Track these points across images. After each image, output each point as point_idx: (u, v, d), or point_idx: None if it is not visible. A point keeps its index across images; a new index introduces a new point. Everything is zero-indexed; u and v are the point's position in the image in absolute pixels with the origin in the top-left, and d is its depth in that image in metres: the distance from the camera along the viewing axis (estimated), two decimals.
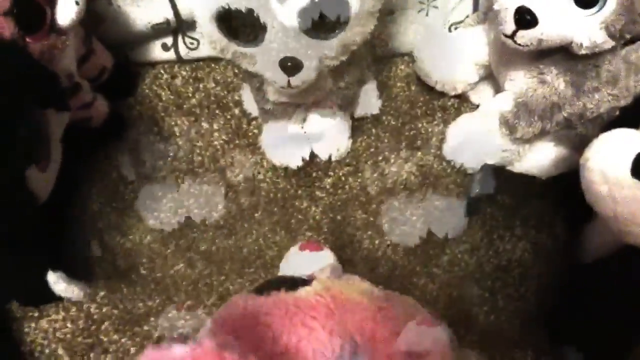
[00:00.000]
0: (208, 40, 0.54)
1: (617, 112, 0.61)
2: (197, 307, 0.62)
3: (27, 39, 0.53)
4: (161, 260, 0.64)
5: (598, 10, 0.50)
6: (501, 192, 0.63)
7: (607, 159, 0.43)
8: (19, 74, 0.45)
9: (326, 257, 0.58)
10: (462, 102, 0.72)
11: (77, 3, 0.57)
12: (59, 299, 0.58)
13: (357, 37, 0.53)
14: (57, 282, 0.53)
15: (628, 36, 0.52)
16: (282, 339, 0.38)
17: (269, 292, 0.42)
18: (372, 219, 0.66)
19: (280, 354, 0.37)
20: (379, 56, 0.75)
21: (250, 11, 0.50)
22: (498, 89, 0.70)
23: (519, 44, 0.53)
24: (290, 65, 0.52)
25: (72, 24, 0.57)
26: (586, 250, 0.57)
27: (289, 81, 0.53)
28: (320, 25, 0.51)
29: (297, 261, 0.58)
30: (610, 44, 0.52)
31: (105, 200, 0.67)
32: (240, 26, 0.53)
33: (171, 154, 0.70)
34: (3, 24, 0.51)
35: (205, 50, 0.74)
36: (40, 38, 0.54)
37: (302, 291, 0.42)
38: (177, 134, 0.71)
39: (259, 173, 0.69)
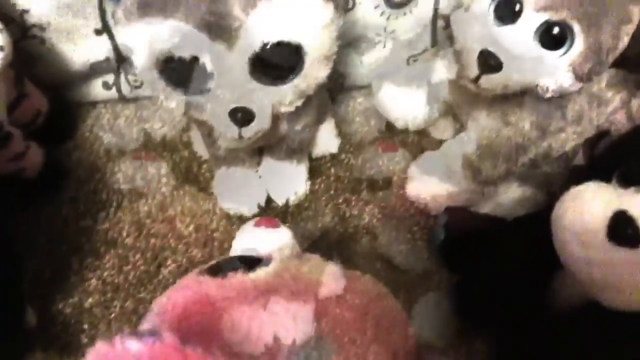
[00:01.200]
0: (149, 86, 0.50)
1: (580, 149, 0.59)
2: None
3: None
4: (104, 326, 0.58)
5: (565, 53, 0.47)
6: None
7: (580, 219, 0.40)
8: None
9: (284, 236, 0.53)
10: (423, 137, 0.70)
11: (1, 48, 0.51)
12: None
13: (313, 82, 0.50)
14: None
15: (595, 78, 0.50)
16: (241, 326, 0.34)
17: (225, 273, 0.38)
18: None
19: (239, 343, 0.34)
20: (336, 90, 0.72)
21: (194, 58, 0.46)
22: (460, 123, 0.67)
23: (483, 89, 0.50)
24: (241, 116, 0.48)
25: None
26: (554, 302, 0.54)
27: (239, 132, 0.49)
28: (273, 71, 0.48)
29: (251, 238, 0.53)
30: (577, 86, 0.49)
31: (43, 262, 0.61)
32: (185, 73, 0.49)
33: (114, 204, 0.64)
34: None
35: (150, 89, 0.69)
36: None
37: (261, 272, 0.39)
38: (121, 181, 0.66)
39: (211, 221, 0.64)
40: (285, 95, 0.49)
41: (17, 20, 0.60)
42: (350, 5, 0.65)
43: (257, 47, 0.45)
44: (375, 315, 0.39)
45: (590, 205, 0.40)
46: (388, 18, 0.68)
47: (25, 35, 0.62)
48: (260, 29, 0.44)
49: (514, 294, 0.55)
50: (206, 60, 0.46)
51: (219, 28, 0.44)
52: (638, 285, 0.39)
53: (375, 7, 0.66)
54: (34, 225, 0.62)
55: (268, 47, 0.45)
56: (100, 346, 0.26)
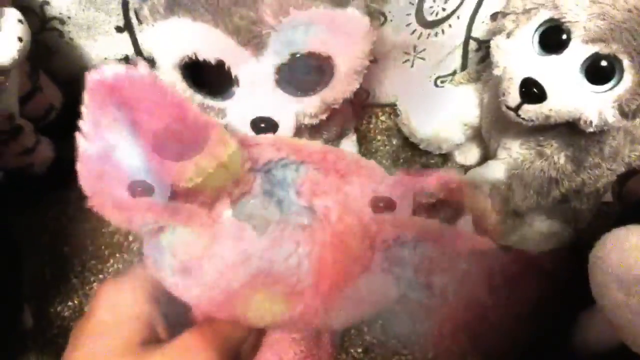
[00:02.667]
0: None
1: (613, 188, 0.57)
2: None
3: None
4: None
5: (612, 87, 0.45)
6: None
7: (623, 263, 0.38)
8: None
9: None
10: (446, 161, 0.68)
11: (20, 39, 0.49)
12: None
13: (340, 95, 0.48)
14: None
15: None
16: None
17: None
18: None
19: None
20: (359, 106, 0.70)
21: (220, 63, 0.44)
22: (486, 150, 0.65)
23: (523, 119, 0.48)
24: (264, 127, 0.46)
25: (13, 63, 0.49)
26: (580, 342, 0.52)
27: None
28: (300, 82, 0.45)
29: None
30: (621, 123, 0.47)
31: (44, 262, 0.59)
32: (209, 77, 0.46)
33: None
34: None
35: None
36: None
37: None
38: None
39: None
40: (311, 107, 0.47)
41: (36, 12, 0.58)
42: (380, 21, 0.63)
43: (286, 56, 0.43)
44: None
45: (634, 250, 0.38)
46: (419, 37, 0.66)
47: (44, 28, 0.60)
48: (290, 38, 0.42)
49: (537, 332, 0.52)
50: (232, 65, 0.44)
51: (248, 33, 0.41)
52: None
53: (407, 25, 0.64)
54: (38, 223, 0.60)
55: (297, 56, 0.43)
56: (90, 75, 0.29)
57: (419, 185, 0.33)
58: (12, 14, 0.49)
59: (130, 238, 0.60)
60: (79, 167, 0.30)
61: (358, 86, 0.47)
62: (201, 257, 0.30)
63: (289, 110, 0.46)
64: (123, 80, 0.28)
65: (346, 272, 0.32)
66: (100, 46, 0.63)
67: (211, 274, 0.30)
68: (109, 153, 0.29)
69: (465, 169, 0.65)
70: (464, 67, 0.69)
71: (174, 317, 0.32)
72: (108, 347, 0.28)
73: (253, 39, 0.42)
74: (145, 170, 0.30)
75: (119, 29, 0.62)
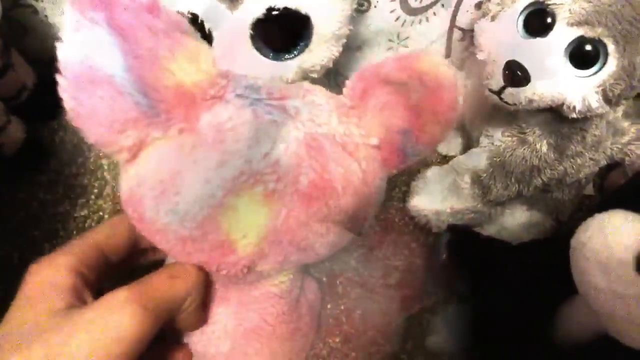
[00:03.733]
0: None
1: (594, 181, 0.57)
2: None
3: None
4: None
5: (596, 72, 0.44)
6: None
7: (607, 249, 0.37)
8: None
9: None
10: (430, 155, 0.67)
11: None
12: None
13: (318, 62, 0.46)
14: None
15: (624, 102, 0.47)
16: None
17: None
18: (324, 278, 0.58)
19: None
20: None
21: (194, 17, 0.42)
22: (468, 139, 0.64)
23: (506, 102, 0.47)
24: None
25: None
26: (563, 332, 0.51)
27: None
28: (276, 41, 0.44)
29: None
30: (604, 109, 0.46)
31: (12, 246, 0.57)
32: None
33: (95, 191, 0.60)
34: None
35: None
36: None
37: None
38: (105, 167, 0.62)
39: None
40: (287, 72, 0.45)
41: None
42: (364, 7, 0.62)
43: (260, 11, 0.41)
44: None
45: (617, 235, 0.37)
46: (403, 24, 0.65)
47: (18, 4, 0.58)
48: None
49: (517, 321, 0.52)
50: (206, 19, 0.42)
51: None
52: None
53: (391, 12, 0.63)
54: (7, 206, 0.58)
55: (273, 13, 0.41)
56: None
57: (382, 75, 0.35)
58: None
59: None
60: (59, 77, 0.30)
61: (337, 54, 0.46)
62: (182, 170, 0.31)
63: (263, 73, 0.44)
64: None
65: (321, 170, 0.34)
66: None
67: (194, 184, 0.31)
68: (88, 58, 0.30)
69: (448, 158, 0.64)
70: (447, 56, 0.68)
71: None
72: (34, 315, 0.29)
73: None
74: (125, 73, 0.30)
75: None
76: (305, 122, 0.35)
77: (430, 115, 0.37)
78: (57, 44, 0.31)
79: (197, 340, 0.43)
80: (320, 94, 0.37)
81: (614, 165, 0.59)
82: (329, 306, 0.58)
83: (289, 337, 0.48)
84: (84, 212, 0.59)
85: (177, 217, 0.33)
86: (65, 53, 0.30)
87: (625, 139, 0.54)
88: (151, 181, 0.33)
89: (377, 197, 0.40)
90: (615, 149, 0.54)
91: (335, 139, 0.36)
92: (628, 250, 0.36)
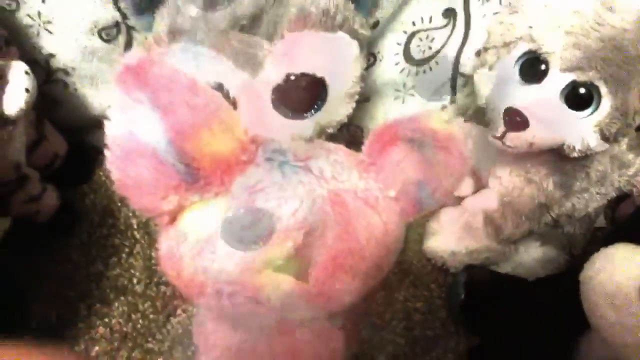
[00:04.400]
0: None
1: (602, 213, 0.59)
2: None
3: None
4: None
5: (592, 113, 0.47)
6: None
7: (612, 281, 0.39)
8: None
9: None
10: None
11: (27, 90, 0.51)
12: None
13: (334, 119, 0.50)
14: None
15: (621, 139, 0.50)
16: None
17: None
18: (348, 325, 0.60)
19: None
20: (354, 144, 0.72)
21: (219, 85, 0.46)
22: (478, 180, 0.67)
23: (509, 146, 0.50)
24: None
25: (20, 113, 0.51)
26: None
27: None
28: (295, 103, 0.47)
29: None
30: (603, 146, 0.49)
31: (50, 306, 0.59)
32: None
33: (126, 250, 0.63)
34: None
35: None
36: None
37: None
38: (135, 227, 0.65)
39: None
40: (305, 130, 0.49)
41: (41, 64, 0.61)
42: (371, 61, 0.66)
43: (280, 77, 0.45)
44: None
45: (622, 268, 0.39)
46: (408, 74, 0.69)
47: (50, 79, 0.63)
48: (285, 60, 0.45)
49: (535, 358, 0.53)
50: (230, 87, 0.46)
51: (245, 56, 0.44)
52: None
53: (396, 64, 0.67)
54: (44, 268, 0.61)
55: (292, 77, 0.45)
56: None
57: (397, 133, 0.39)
58: (20, 67, 0.52)
59: (135, 280, 0.61)
60: (107, 150, 0.34)
61: (351, 111, 0.49)
62: (218, 230, 0.35)
63: (285, 132, 0.47)
64: (145, 63, 0.33)
65: (345, 224, 0.37)
66: (103, 95, 0.66)
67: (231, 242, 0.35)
68: (134, 133, 0.33)
69: (460, 199, 0.67)
70: (452, 101, 0.71)
71: None
72: None
73: (250, 61, 0.44)
74: (167, 146, 0.34)
75: None
76: (328, 180, 0.38)
77: (443, 168, 0.41)
78: (105, 122, 0.34)
79: None
80: (340, 152, 0.41)
81: (623, 197, 0.61)
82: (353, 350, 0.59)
83: None
84: (117, 271, 0.62)
85: (213, 274, 0.37)
86: (113, 130, 0.34)
87: (632, 170, 0.56)
88: (190, 241, 0.37)
89: (397, 245, 0.43)
90: (622, 181, 0.57)
91: (357, 194, 0.39)
92: (633, 283, 0.38)
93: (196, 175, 0.36)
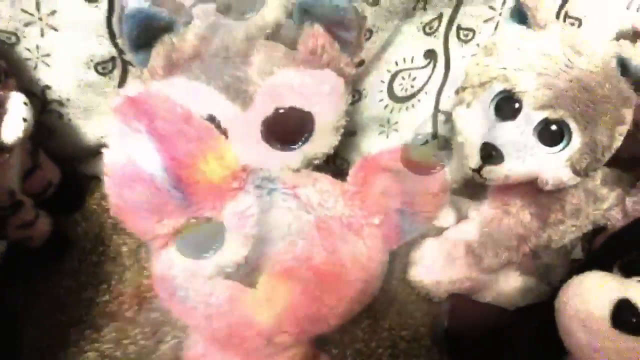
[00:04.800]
0: None
1: (579, 243, 0.61)
2: None
3: None
4: None
5: (563, 148, 0.50)
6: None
7: (584, 306, 0.41)
8: None
9: None
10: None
11: (24, 120, 0.53)
12: None
13: (320, 150, 0.51)
14: None
15: (592, 173, 0.53)
16: None
17: None
18: (335, 351, 0.61)
19: None
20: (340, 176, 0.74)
21: (211, 117, 0.47)
22: (459, 211, 0.69)
23: (485, 179, 0.52)
24: None
25: (18, 142, 0.53)
26: None
27: None
28: (284, 135, 0.49)
29: None
30: (575, 180, 0.52)
31: (41, 331, 0.60)
32: None
33: (116, 277, 0.64)
34: None
35: None
36: None
37: None
38: (125, 254, 0.66)
39: None
40: (293, 161, 0.50)
41: (38, 95, 0.63)
42: (356, 98, 0.69)
43: (270, 111, 0.47)
44: None
45: (593, 294, 0.41)
46: (391, 111, 0.72)
47: (45, 110, 0.65)
48: (274, 95, 0.47)
49: None
50: (222, 119, 0.47)
51: (237, 90, 0.46)
52: None
53: (380, 101, 0.70)
54: (35, 294, 0.62)
55: (281, 111, 0.47)
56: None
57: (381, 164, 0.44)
58: (18, 97, 0.54)
59: (125, 307, 0.62)
60: (105, 177, 0.37)
61: (336, 143, 0.51)
62: (212, 255, 0.37)
63: (273, 163, 0.48)
64: (143, 95, 0.37)
65: (331, 249, 0.40)
66: (96, 125, 0.68)
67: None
68: (131, 161, 0.36)
69: (443, 230, 0.69)
70: (434, 136, 0.74)
71: None
72: None
73: (241, 95, 0.46)
74: (163, 173, 0.36)
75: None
76: (315, 207, 0.41)
77: (423, 196, 0.43)
78: (104, 150, 0.36)
79: None
80: (326, 181, 0.43)
81: (599, 230, 0.64)
82: None
83: None
84: (107, 297, 0.63)
85: (204, 296, 0.39)
86: (111, 157, 0.37)
87: (605, 205, 0.59)
88: (182, 264, 0.39)
89: (381, 271, 0.46)
90: (597, 214, 0.59)
91: (342, 220, 0.42)
92: (604, 307, 0.40)
93: (190, 200, 0.38)
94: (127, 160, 0.37)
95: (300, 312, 0.41)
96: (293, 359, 0.48)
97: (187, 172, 0.37)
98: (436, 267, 0.64)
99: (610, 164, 0.58)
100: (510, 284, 0.63)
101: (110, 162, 0.38)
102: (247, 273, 0.38)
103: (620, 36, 0.62)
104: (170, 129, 0.37)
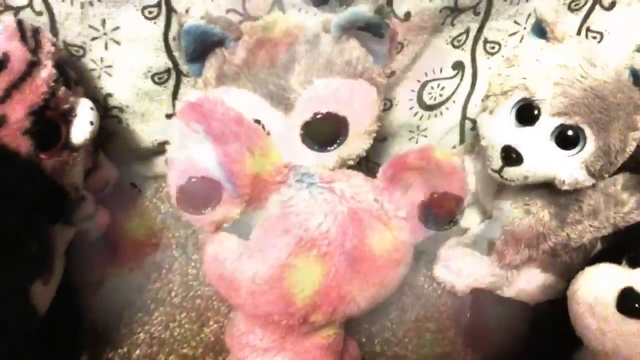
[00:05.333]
0: None
1: (599, 243, 0.65)
2: None
3: (41, 155, 0.56)
4: None
5: (578, 152, 0.54)
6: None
7: (593, 294, 0.45)
8: (32, 191, 0.47)
9: None
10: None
11: (91, 123, 0.60)
12: None
13: (354, 152, 0.56)
14: None
15: (606, 175, 0.56)
16: None
17: None
18: (364, 339, 0.66)
19: None
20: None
21: (257, 121, 0.52)
22: (483, 213, 0.73)
23: (506, 179, 0.57)
24: None
25: (85, 142, 0.60)
26: None
27: None
28: (320, 138, 0.54)
29: None
30: (590, 181, 0.56)
31: (98, 313, 0.66)
32: None
33: (166, 266, 0.71)
34: (20, 142, 0.53)
35: None
36: (53, 155, 0.57)
37: None
38: (174, 247, 0.73)
39: None
40: (329, 161, 0.55)
41: (100, 102, 0.70)
42: (387, 106, 0.74)
43: (308, 116, 0.52)
44: None
45: (602, 282, 0.45)
46: (421, 118, 0.76)
47: (106, 115, 0.72)
48: (313, 102, 0.52)
49: None
50: (266, 123, 0.52)
51: (280, 97, 0.51)
52: None
53: (410, 108, 0.75)
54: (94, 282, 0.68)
55: (318, 116, 0.52)
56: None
57: (407, 163, 0.48)
58: (86, 103, 0.61)
59: (172, 294, 0.68)
60: (168, 171, 0.43)
61: (368, 146, 0.56)
62: (256, 237, 0.43)
63: (311, 162, 0.53)
64: (201, 100, 0.43)
65: (361, 237, 0.44)
66: (151, 130, 0.75)
67: (266, 248, 0.43)
68: (190, 157, 0.42)
69: (467, 230, 0.73)
70: (461, 142, 0.79)
71: None
72: None
73: (283, 102, 0.52)
74: (217, 167, 0.42)
75: (167, 116, 0.73)
76: (348, 200, 0.46)
77: (446, 193, 0.48)
78: (167, 147, 0.42)
79: None
80: (359, 177, 0.49)
81: (619, 233, 0.67)
82: None
83: None
84: (157, 285, 0.69)
85: (249, 275, 0.44)
86: (173, 153, 0.43)
87: (626, 208, 0.62)
88: (231, 247, 0.44)
89: (406, 260, 0.50)
90: (618, 218, 0.62)
91: (372, 212, 0.47)
92: (610, 294, 0.44)
93: (239, 192, 0.44)
94: (187, 157, 0.43)
95: (333, 293, 0.46)
96: (326, 340, 0.53)
97: (238, 167, 0.43)
98: (460, 264, 0.68)
99: (633, 170, 0.62)
100: (531, 281, 0.66)
101: (172, 158, 0.44)
102: (288, 254, 0.44)
103: (639, 49, 0.65)
104: (224, 130, 0.43)
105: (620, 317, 0.43)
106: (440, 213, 0.48)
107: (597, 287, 0.45)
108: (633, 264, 0.46)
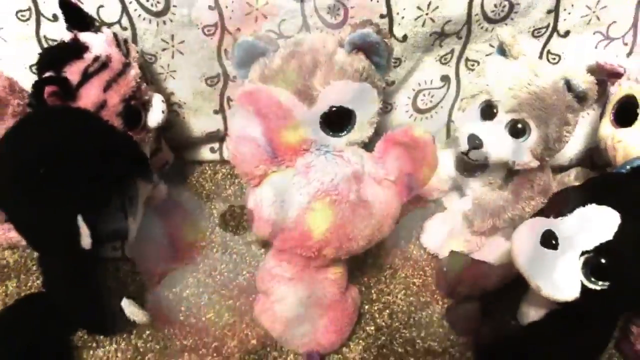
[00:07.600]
0: None
1: None
2: (221, 348, 0.77)
3: (129, 133, 0.75)
4: (196, 309, 0.80)
5: (525, 139, 0.73)
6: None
7: (524, 235, 0.62)
8: (132, 153, 0.67)
9: None
10: (437, 206, 0.94)
11: (162, 112, 0.80)
12: (122, 329, 0.75)
13: (359, 138, 0.71)
14: (128, 306, 0.69)
15: (547, 158, 0.74)
16: None
17: None
18: (363, 288, 0.84)
19: None
20: None
21: None
22: (461, 193, 0.91)
23: (470, 158, 0.75)
24: None
25: (157, 125, 0.79)
26: (522, 314, 0.73)
27: None
28: (334, 126, 0.69)
29: None
30: (535, 163, 0.74)
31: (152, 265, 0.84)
32: None
33: (209, 229, 0.89)
34: (115, 121, 0.73)
35: None
36: (136, 133, 0.77)
37: None
38: (215, 216, 0.92)
39: None
40: (340, 143, 0.69)
41: (164, 98, 0.89)
42: (388, 109, 0.93)
43: (326, 108, 0.67)
44: None
45: (532, 226, 0.62)
46: (415, 119, 0.95)
47: (168, 109, 0.90)
48: (330, 98, 0.66)
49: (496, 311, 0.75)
50: (294, 113, 0.67)
51: (305, 94, 0.67)
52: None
53: (406, 111, 0.94)
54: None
55: (333, 109, 0.67)
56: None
57: (395, 139, 0.64)
58: (158, 97, 0.80)
59: (215, 249, 0.87)
60: (229, 138, 0.61)
61: (370, 134, 0.72)
62: (289, 189, 0.60)
63: (328, 143, 0.68)
64: (254, 89, 0.60)
65: (362, 191, 0.62)
66: (201, 122, 0.94)
67: (296, 197, 0.60)
68: (246, 132, 0.60)
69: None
70: (447, 137, 0.97)
71: None
72: None
73: (308, 97, 0.67)
74: (262, 137, 0.60)
75: (215, 112, 0.93)
76: (352, 164, 0.64)
77: (422, 163, 0.65)
78: (228, 122, 0.61)
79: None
80: (361, 150, 0.66)
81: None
82: (366, 306, 0.82)
83: (340, 312, 0.73)
84: (203, 243, 0.88)
85: (281, 216, 0.62)
86: (233, 126, 0.61)
87: None
88: (269, 195, 0.62)
89: (394, 213, 0.67)
90: None
91: (370, 175, 0.64)
92: (536, 234, 0.61)
93: (276, 155, 0.62)
94: (241, 128, 0.62)
95: (341, 231, 0.63)
96: (334, 276, 0.71)
97: (276, 137, 0.61)
98: (441, 233, 0.86)
99: (587, 167, 0.80)
100: (497, 247, 0.83)
101: (232, 129, 0.62)
102: (309, 201, 0.62)
103: (589, 70, 0.83)
104: (267, 111, 0.61)
105: (544, 251, 0.59)
106: (419, 179, 0.66)
107: (527, 230, 0.62)
108: (555, 216, 0.63)
